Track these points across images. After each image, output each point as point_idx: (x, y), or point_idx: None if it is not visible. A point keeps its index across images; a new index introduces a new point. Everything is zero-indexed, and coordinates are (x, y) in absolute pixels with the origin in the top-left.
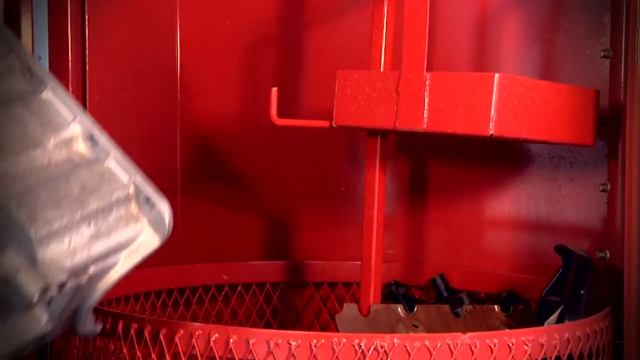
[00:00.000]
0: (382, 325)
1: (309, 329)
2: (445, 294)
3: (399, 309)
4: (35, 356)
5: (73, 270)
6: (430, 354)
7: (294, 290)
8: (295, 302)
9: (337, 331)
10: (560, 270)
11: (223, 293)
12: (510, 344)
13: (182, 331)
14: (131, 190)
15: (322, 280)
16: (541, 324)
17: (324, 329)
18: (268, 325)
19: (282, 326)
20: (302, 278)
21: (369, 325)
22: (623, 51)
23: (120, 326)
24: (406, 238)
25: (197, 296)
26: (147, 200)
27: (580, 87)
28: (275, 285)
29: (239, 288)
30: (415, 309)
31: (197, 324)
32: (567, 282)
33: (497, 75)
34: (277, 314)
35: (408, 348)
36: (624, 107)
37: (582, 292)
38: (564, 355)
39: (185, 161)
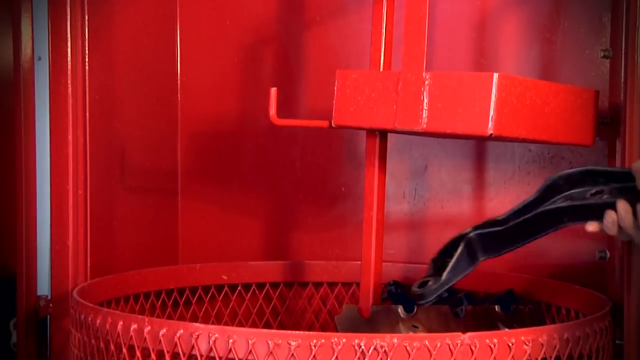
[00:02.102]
0: (381, 326)
1: (308, 329)
2: (445, 294)
3: (399, 310)
4: (35, 356)
5: None
6: (430, 354)
7: (294, 290)
8: (295, 302)
9: (337, 332)
10: None
11: (223, 293)
12: (510, 344)
13: (182, 331)
14: None
15: (322, 280)
16: None
17: (323, 328)
18: (268, 325)
19: (281, 326)
20: (302, 278)
21: (369, 326)
22: (623, 51)
23: (120, 326)
24: (406, 238)
25: (196, 296)
26: None
27: (580, 87)
28: (275, 285)
29: (239, 288)
30: (415, 309)
31: (198, 324)
32: None
33: (496, 75)
34: (276, 314)
35: (408, 348)
36: (624, 107)
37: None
38: (564, 355)
39: (185, 161)
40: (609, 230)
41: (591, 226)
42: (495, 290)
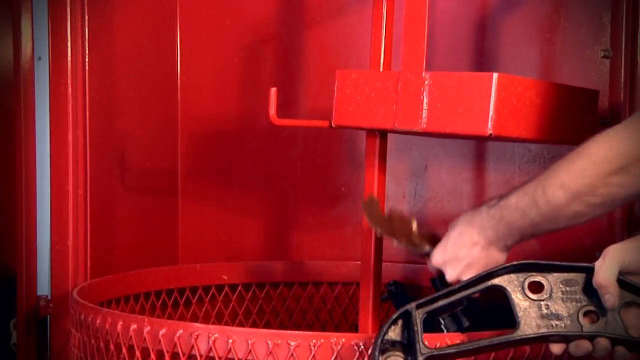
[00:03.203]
0: (398, 231)
1: (309, 329)
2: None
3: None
4: (35, 356)
5: None
6: None
7: (294, 290)
8: (295, 302)
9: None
10: None
11: (223, 293)
12: None
13: (182, 331)
14: None
15: (322, 280)
16: None
17: (324, 328)
18: (268, 325)
19: (282, 326)
20: (302, 278)
21: (388, 225)
22: (623, 51)
23: (119, 326)
24: None
25: (197, 296)
26: None
27: (580, 87)
28: (275, 285)
29: (239, 288)
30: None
31: (197, 324)
32: None
33: (495, 75)
34: (277, 314)
35: None
36: (624, 107)
37: None
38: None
39: (185, 161)
40: (576, 354)
41: (557, 348)
42: None
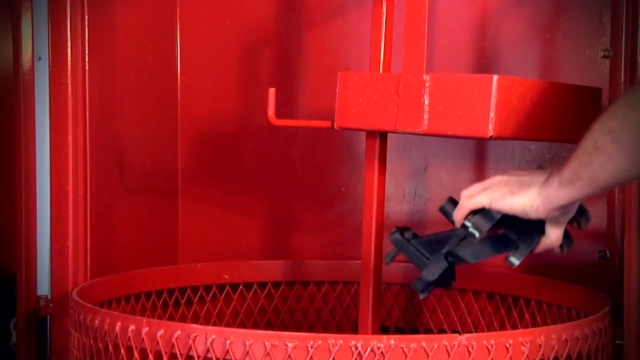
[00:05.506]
0: None
1: (310, 329)
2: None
3: None
4: (35, 356)
5: None
6: (427, 355)
7: (296, 290)
8: (297, 302)
9: None
10: None
11: (224, 292)
12: (507, 345)
13: (179, 332)
14: None
15: (324, 280)
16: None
17: (325, 328)
18: (269, 325)
19: (283, 325)
20: (304, 277)
21: None
22: (623, 51)
23: (118, 327)
24: None
25: (198, 296)
26: None
27: (582, 86)
28: (277, 284)
29: (241, 287)
30: None
31: (195, 325)
32: None
33: (495, 77)
34: (278, 314)
35: (405, 349)
36: None
37: None
38: (561, 356)
39: (185, 161)
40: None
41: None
42: (495, 291)
